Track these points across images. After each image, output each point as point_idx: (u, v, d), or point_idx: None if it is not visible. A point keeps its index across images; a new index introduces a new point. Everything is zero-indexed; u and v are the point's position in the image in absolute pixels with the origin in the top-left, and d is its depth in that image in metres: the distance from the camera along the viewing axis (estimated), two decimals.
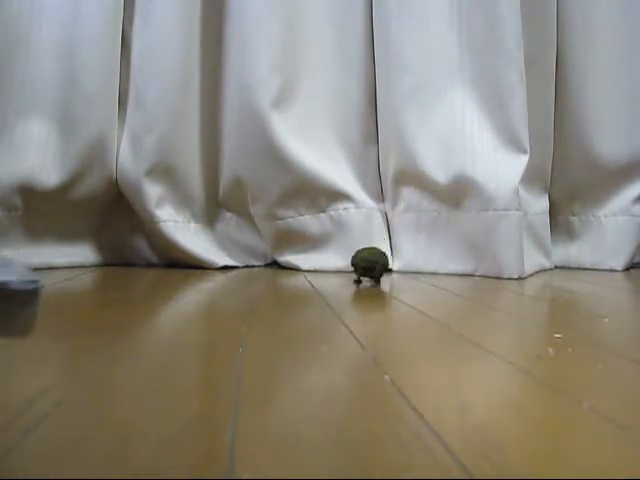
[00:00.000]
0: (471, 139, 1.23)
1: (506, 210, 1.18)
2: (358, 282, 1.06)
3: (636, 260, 1.39)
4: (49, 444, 0.30)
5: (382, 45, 1.33)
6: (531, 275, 1.21)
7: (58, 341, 0.56)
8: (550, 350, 0.52)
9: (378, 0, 1.33)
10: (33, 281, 0.18)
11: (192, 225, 1.36)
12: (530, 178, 1.26)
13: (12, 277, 0.18)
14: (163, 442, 0.31)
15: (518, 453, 0.30)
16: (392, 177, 1.31)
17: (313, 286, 1.02)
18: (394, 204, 1.32)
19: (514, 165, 1.21)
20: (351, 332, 0.61)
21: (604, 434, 0.33)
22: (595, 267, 1.38)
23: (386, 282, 1.05)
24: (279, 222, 1.33)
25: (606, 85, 1.39)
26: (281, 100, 1.29)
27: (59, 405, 0.36)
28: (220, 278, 1.18)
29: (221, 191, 1.39)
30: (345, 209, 1.31)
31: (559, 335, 0.59)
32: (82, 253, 1.32)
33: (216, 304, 0.90)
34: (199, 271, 1.27)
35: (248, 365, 0.47)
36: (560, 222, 1.45)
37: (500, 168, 1.20)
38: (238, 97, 1.32)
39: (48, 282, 1.03)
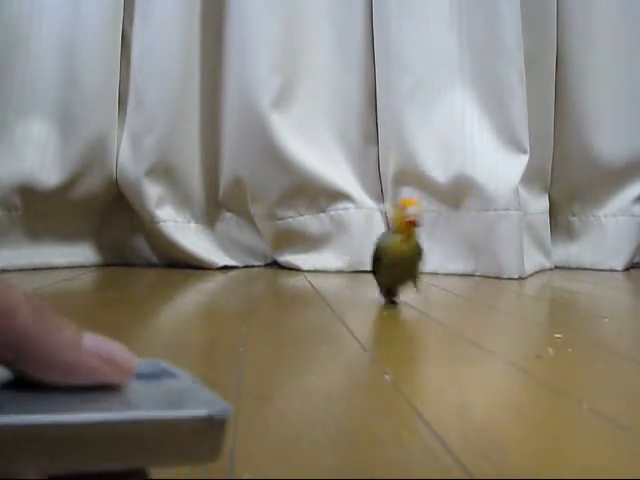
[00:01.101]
0: (471, 139, 1.23)
1: (506, 210, 1.18)
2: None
3: (636, 260, 1.39)
4: None
5: (382, 45, 1.32)
6: (531, 275, 1.21)
7: None
8: (550, 350, 0.52)
9: (378, 0, 1.33)
10: (227, 409, 0.20)
11: (192, 225, 1.35)
12: (530, 178, 1.26)
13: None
14: None
15: (518, 453, 0.30)
16: (392, 177, 1.31)
17: (313, 286, 1.02)
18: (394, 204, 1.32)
19: (514, 165, 1.20)
20: (351, 332, 0.61)
21: (604, 434, 0.33)
22: (595, 267, 1.38)
23: None
24: (279, 222, 1.33)
25: (606, 85, 1.39)
26: (281, 100, 1.29)
27: None
28: (220, 278, 1.18)
29: (221, 191, 1.39)
30: (345, 209, 1.31)
31: (559, 335, 0.59)
32: (82, 253, 1.32)
33: (216, 304, 0.90)
34: (199, 271, 1.26)
35: (248, 365, 0.47)
36: (560, 222, 1.44)
37: (500, 168, 1.20)
38: (238, 97, 1.31)
39: (48, 282, 1.03)
